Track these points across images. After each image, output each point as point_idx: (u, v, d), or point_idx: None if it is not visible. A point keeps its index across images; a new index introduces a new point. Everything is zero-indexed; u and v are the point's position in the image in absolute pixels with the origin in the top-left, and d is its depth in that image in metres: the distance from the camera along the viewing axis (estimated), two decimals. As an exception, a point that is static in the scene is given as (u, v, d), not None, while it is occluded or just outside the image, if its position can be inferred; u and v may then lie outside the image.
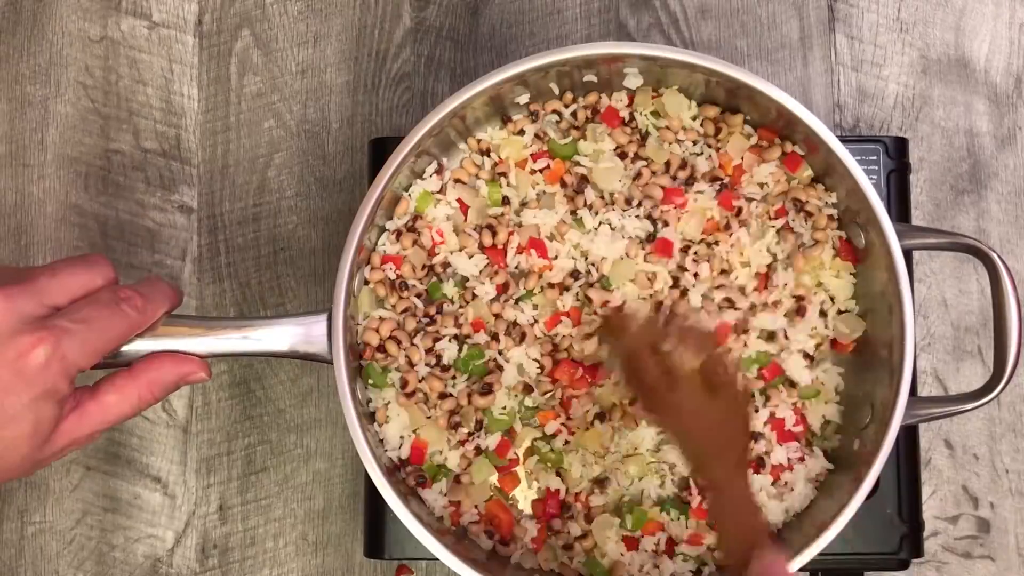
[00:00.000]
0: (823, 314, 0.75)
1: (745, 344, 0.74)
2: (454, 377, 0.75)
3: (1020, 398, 0.88)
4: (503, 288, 0.75)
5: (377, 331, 0.74)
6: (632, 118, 0.77)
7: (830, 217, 0.75)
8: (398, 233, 0.76)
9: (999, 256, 0.70)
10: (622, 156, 0.76)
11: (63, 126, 0.92)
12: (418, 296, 0.75)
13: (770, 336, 0.75)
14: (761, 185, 0.76)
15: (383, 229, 0.76)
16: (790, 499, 0.74)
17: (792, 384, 0.75)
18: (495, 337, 0.74)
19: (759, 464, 0.74)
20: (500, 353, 0.74)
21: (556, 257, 0.75)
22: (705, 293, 0.74)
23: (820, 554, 0.67)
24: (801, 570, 0.68)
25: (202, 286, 0.90)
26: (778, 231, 0.76)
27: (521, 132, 0.77)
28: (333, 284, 0.69)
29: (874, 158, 0.80)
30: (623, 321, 0.72)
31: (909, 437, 0.79)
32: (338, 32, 0.92)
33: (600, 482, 0.75)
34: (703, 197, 0.75)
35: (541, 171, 0.77)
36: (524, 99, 0.76)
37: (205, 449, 0.88)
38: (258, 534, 0.88)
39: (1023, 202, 0.90)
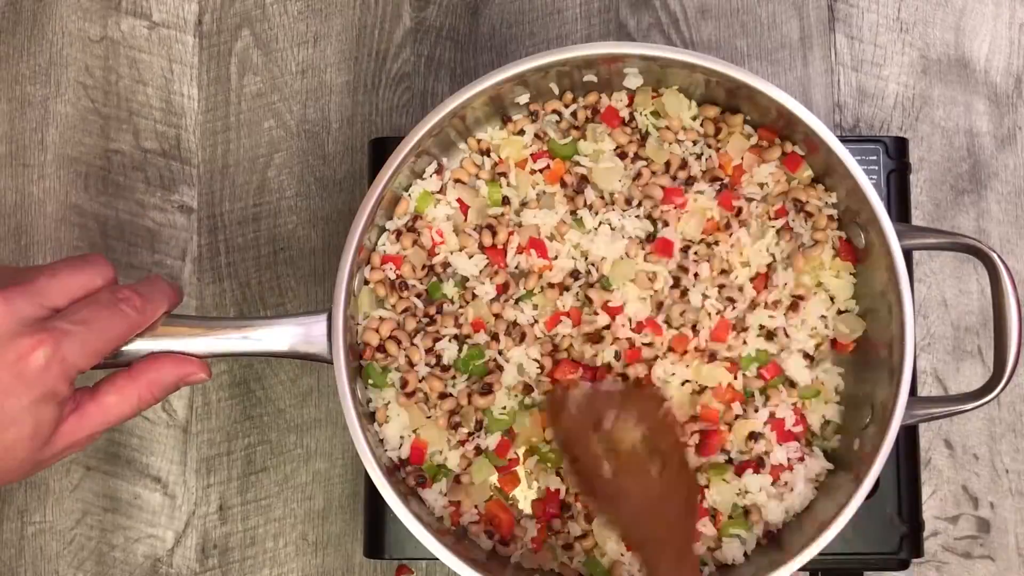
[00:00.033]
0: (823, 317, 0.76)
1: (745, 343, 0.74)
2: (454, 377, 0.75)
3: (1020, 398, 0.88)
4: (503, 288, 0.75)
5: (377, 331, 0.74)
6: (632, 118, 0.77)
7: (830, 217, 0.75)
8: (398, 233, 0.76)
9: (999, 256, 0.70)
10: (622, 156, 0.76)
11: (63, 126, 0.92)
12: (418, 296, 0.75)
13: (770, 335, 0.75)
14: (761, 185, 0.76)
15: (383, 229, 0.76)
16: (790, 499, 0.74)
17: (792, 384, 0.75)
18: (495, 337, 0.74)
19: (759, 464, 0.74)
20: (500, 353, 0.74)
21: (556, 257, 0.75)
22: (705, 292, 0.74)
23: (820, 554, 0.67)
24: (801, 570, 0.68)
25: (202, 286, 0.90)
26: (778, 231, 0.76)
27: (521, 132, 0.77)
28: (333, 284, 0.69)
29: (874, 158, 0.80)
30: (562, 402, 0.71)
31: (909, 437, 0.79)
32: (338, 32, 0.92)
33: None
34: (703, 197, 0.75)
35: (541, 171, 0.77)
36: (524, 99, 0.76)
37: (205, 449, 0.88)
38: (258, 534, 0.88)
39: (1023, 202, 0.90)
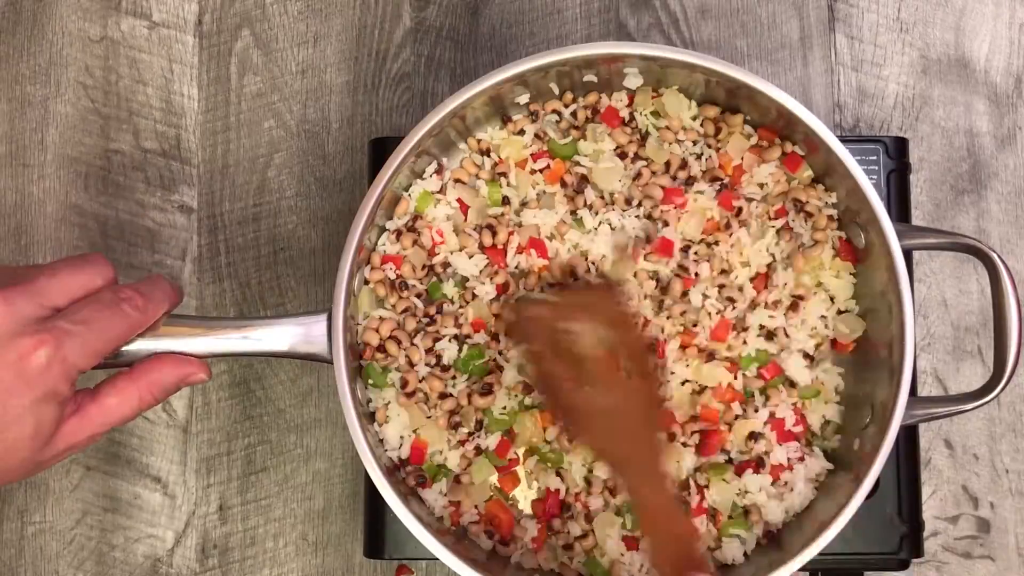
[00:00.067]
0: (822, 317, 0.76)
1: (745, 343, 0.75)
2: (454, 377, 0.75)
3: (1020, 398, 0.88)
4: (503, 288, 0.75)
5: (377, 331, 0.74)
6: (632, 118, 0.77)
7: (830, 217, 0.75)
8: (398, 233, 0.76)
9: (999, 256, 0.70)
10: (622, 156, 0.76)
11: (63, 126, 0.92)
12: (418, 296, 0.75)
13: (770, 335, 0.75)
14: (761, 185, 0.76)
15: (383, 229, 0.76)
16: (790, 499, 0.74)
17: (792, 384, 0.75)
18: (495, 337, 0.74)
19: (759, 464, 0.74)
20: (500, 353, 0.74)
21: (556, 257, 0.75)
22: (705, 292, 0.74)
23: (820, 554, 0.67)
24: (801, 570, 0.68)
25: (202, 286, 0.90)
26: (778, 231, 0.76)
27: (521, 132, 0.77)
28: (333, 284, 0.69)
29: (874, 158, 0.80)
30: (522, 317, 0.69)
31: (909, 437, 0.79)
32: (338, 32, 0.92)
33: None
34: (703, 197, 0.75)
35: (541, 171, 0.77)
36: (524, 99, 0.76)
37: (205, 449, 0.88)
38: (258, 534, 0.88)
39: (1023, 202, 0.90)
